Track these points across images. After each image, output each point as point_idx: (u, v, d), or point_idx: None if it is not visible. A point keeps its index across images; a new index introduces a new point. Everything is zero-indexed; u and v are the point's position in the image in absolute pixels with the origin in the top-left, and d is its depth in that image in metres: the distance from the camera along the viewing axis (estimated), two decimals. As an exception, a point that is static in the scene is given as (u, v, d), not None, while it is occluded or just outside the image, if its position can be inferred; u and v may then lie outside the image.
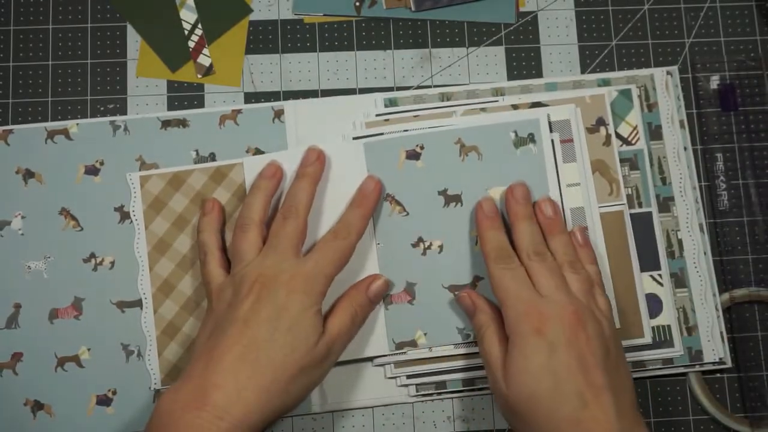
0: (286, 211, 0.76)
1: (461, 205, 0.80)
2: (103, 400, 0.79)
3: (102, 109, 0.84)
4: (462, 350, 0.79)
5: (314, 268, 0.73)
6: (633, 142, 0.82)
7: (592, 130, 0.81)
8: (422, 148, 0.80)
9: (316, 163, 0.79)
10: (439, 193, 0.80)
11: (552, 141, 0.80)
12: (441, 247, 0.79)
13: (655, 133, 0.83)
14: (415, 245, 0.80)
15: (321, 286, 0.73)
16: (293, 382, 0.70)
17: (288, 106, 0.84)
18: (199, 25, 0.86)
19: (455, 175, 0.80)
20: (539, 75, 0.86)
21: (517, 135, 0.80)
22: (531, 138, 0.80)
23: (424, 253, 0.79)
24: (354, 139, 0.82)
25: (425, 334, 0.79)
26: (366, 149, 0.81)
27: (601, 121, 0.81)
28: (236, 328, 0.70)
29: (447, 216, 0.80)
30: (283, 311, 0.71)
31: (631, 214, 0.81)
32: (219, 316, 0.73)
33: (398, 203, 0.80)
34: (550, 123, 0.81)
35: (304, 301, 0.71)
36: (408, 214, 0.80)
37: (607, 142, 0.81)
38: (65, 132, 0.83)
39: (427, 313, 0.79)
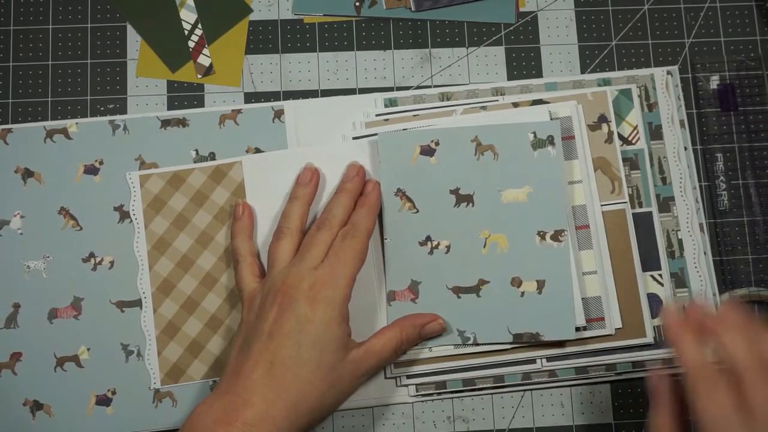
0: (321, 222, 0.76)
1: (472, 206, 0.79)
2: (103, 400, 0.79)
3: (102, 109, 0.84)
4: (462, 350, 0.79)
5: (331, 273, 0.73)
6: (633, 141, 0.82)
7: (593, 127, 0.81)
8: (437, 144, 0.80)
9: (355, 179, 0.79)
10: (451, 191, 0.79)
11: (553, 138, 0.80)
12: (448, 247, 0.79)
13: (655, 133, 0.83)
14: (422, 244, 0.79)
15: (343, 289, 0.73)
16: (322, 398, 0.71)
17: (288, 106, 0.84)
18: (199, 25, 0.86)
19: (468, 174, 0.79)
20: (539, 75, 0.86)
21: (536, 136, 0.80)
22: (550, 140, 0.79)
23: (431, 253, 0.79)
24: (354, 138, 0.82)
25: None
26: (381, 140, 0.80)
27: (603, 119, 0.81)
28: (261, 343, 0.71)
29: (457, 216, 0.79)
30: (306, 324, 0.71)
31: (631, 214, 0.80)
32: (249, 327, 0.73)
33: (409, 200, 0.80)
34: (552, 120, 0.80)
35: (327, 312, 0.71)
36: (418, 211, 0.80)
37: (609, 139, 0.81)
38: (64, 131, 0.82)
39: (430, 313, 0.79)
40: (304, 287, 0.72)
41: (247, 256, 0.78)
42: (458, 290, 0.79)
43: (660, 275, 0.80)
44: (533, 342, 0.77)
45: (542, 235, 0.78)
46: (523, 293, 0.78)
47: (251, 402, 0.68)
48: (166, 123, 0.83)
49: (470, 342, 0.78)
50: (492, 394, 0.81)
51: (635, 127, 0.82)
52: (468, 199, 0.79)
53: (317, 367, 0.70)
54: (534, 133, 0.79)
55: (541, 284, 0.78)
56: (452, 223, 0.79)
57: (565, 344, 0.78)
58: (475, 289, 0.79)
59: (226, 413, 0.68)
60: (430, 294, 0.79)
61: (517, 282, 0.78)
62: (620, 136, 0.82)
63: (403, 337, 0.76)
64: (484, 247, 0.79)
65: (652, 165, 0.82)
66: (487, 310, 0.78)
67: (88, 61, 0.85)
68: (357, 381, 0.74)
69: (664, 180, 0.82)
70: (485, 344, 0.78)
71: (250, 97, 0.85)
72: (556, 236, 0.78)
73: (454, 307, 0.79)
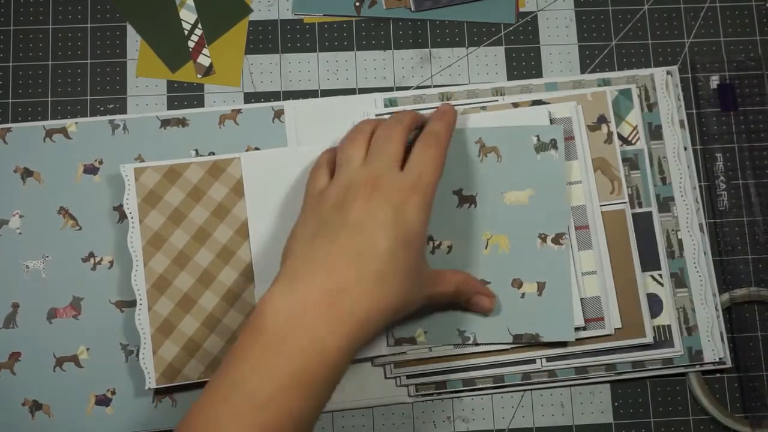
0: (390, 123, 0.73)
1: (475, 207, 0.79)
2: (102, 400, 0.79)
3: (102, 109, 0.84)
4: (462, 350, 0.79)
5: (419, 179, 0.69)
6: (633, 141, 0.82)
7: (593, 127, 0.81)
8: None
9: (415, 115, 0.76)
10: (454, 192, 0.79)
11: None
12: (450, 247, 0.79)
13: (655, 133, 0.83)
14: None
15: (430, 197, 0.69)
16: (405, 302, 0.67)
17: (288, 106, 0.84)
18: (199, 25, 0.86)
19: (472, 176, 0.79)
20: (539, 75, 0.86)
21: (539, 140, 0.80)
22: (553, 144, 0.79)
23: (432, 252, 0.79)
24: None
25: (425, 333, 0.78)
26: None
27: (602, 119, 0.81)
28: (350, 232, 0.66)
29: (459, 217, 0.79)
30: (400, 222, 0.66)
31: (631, 214, 0.80)
32: (324, 216, 0.68)
33: None
34: (551, 120, 0.80)
35: (421, 216, 0.68)
36: None
37: (609, 139, 0.81)
38: (64, 131, 0.82)
39: (430, 313, 0.78)
40: (395, 186, 0.68)
41: (326, 163, 0.75)
42: None
43: (660, 275, 0.80)
44: (533, 343, 0.77)
45: (543, 237, 0.78)
46: (523, 294, 0.78)
47: (354, 296, 0.64)
48: (166, 123, 0.83)
49: (470, 342, 0.78)
50: (492, 394, 0.81)
51: (635, 127, 0.82)
52: (471, 200, 0.79)
53: (409, 267, 0.66)
54: (537, 136, 0.79)
55: (541, 286, 0.78)
56: (454, 224, 0.79)
57: (565, 344, 0.78)
58: None
59: (322, 299, 0.63)
60: None
61: (517, 283, 0.78)
62: (620, 137, 0.82)
63: (463, 289, 0.74)
64: (486, 248, 0.79)
65: (651, 165, 0.82)
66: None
67: (88, 61, 0.85)
68: (422, 300, 0.70)
69: (664, 180, 0.82)
70: (485, 344, 0.78)
71: (250, 97, 0.85)
72: (557, 239, 0.78)
73: (454, 306, 0.79)
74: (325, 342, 0.63)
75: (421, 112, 0.79)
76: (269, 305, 0.64)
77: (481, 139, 0.80)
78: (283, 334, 0.62)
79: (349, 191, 0.68)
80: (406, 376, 0.79)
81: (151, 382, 0.78)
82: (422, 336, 0.78)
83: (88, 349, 0.80)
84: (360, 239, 0.65)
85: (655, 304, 0.80)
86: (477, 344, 0.78)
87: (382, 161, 0.70)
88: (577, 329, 0.77)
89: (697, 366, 0.80)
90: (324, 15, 0.87)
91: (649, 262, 0.80)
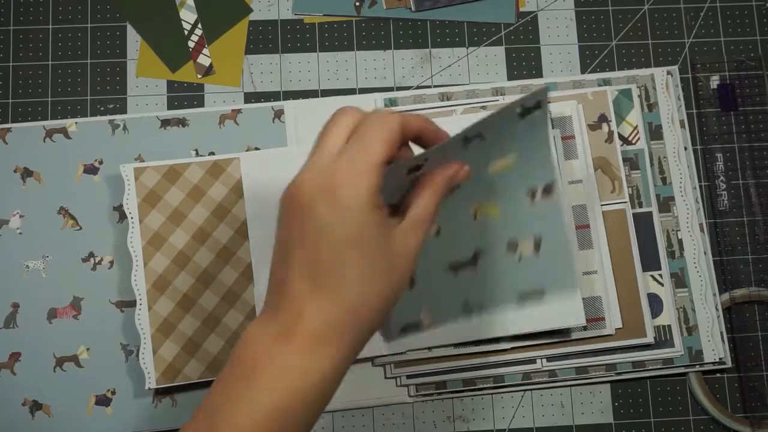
0: (378, 111, 0.63)
1: (458, 189, 0.77)
2: (102, 400, 0.79)
3: (102, 109, 0.84)
4: (462, 350, 0.78)
5: (350, 165, 0.60)
6: (633, 141, 0.82)
7: (594, 127, 0.81)
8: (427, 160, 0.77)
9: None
10: None
11: (553, 138, 0.79)
12: (438, 230, 0.77)
13: (655, 133, 0.83)
14: None
15: (366, 182, 0.60)
16: (380, 294, 0.62)
17: (288, 106, 0.84)
18: (199, 25, 0.86)
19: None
20: (539, 75, 0.86)
21: (523, 107, 0.75)
22: (537, 105, 0.75)
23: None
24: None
25: (430, 310, 0.76)
26: None
27: (603, 118, 0.81)
28: (296, 250, 0.60)
29: (445, 204, 0.78)
30: (329, 230, 0.59)
31: (632, 214, 0.80)
32: (294, 223, 0.61)
33: None
34: (552, 120, 0.80)
35: (352, 215, 0.59)
36: None
37: (609, 139, 0.81)
38: (64, 131, 0.82)
39: (430, 296, 0.76)
40: (316, 188, 0.60)
41: None
42: (455, 267, 0.77)
43: (660, 275, 0.80)
44: (538, 331, 0.77)
45: (533, 193, 0.75)
46: (520, 258, 0.75)
47: (305, 314, 0.59)
48: (166, 123, 0.83)
49: (473, 314, 0.75)
50: (492, 394, 0.81)
51: (635, 127, 0.82)
52: (455, 186, 0.77)
53: (365, 265, 0.61)
54: (521, 105, 0.75)
55: (537, 242, 0.75)
56: (441, 210, 0.76)
57: (570, 334, 0.78)
58: (472, 263, 0.77)
59: (284, 329, 0.59)
60: (427, 277, 0.78)
61: (513, 246, 0.75)
62: (620, 136, 0.82)
63: (440, 194, 0.68)
64: (475, 219, 0.77)
65: (652, 165, 0.82)
66: (486, 281, 0.76)
67: (88, 61, 0.85)
68: (414, 260, 0.65)
69: (664, 180, 0.82)
70: (486, 340, 0.78)
71: (250, 97, 0.85)
72: (547, 191, 0.75)
73: (453, 286, 0.77)
74: (306, 372, 0.60)
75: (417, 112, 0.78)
76: (248, 336, 0.62)
77: (467, 135, 0.78)
78: (258, 366, 0.60)
79: (284, 203, 0.62)
80: (406, 376, 0.79)
81: (151, 382, 0.78)
82: (428, 318, 0.75)
83: (88, 349, 0.80)
84: (308, 255, 0.60)
85: (656, 304, 0.80)
86: (481, 317, 0.75)
87: (315, 158, 0.62)
88: (578, 329, 0.77)
89: (697, 366, 0.80)
90: (324, 15, 0.87)
91: (650, 262, 0.80)
